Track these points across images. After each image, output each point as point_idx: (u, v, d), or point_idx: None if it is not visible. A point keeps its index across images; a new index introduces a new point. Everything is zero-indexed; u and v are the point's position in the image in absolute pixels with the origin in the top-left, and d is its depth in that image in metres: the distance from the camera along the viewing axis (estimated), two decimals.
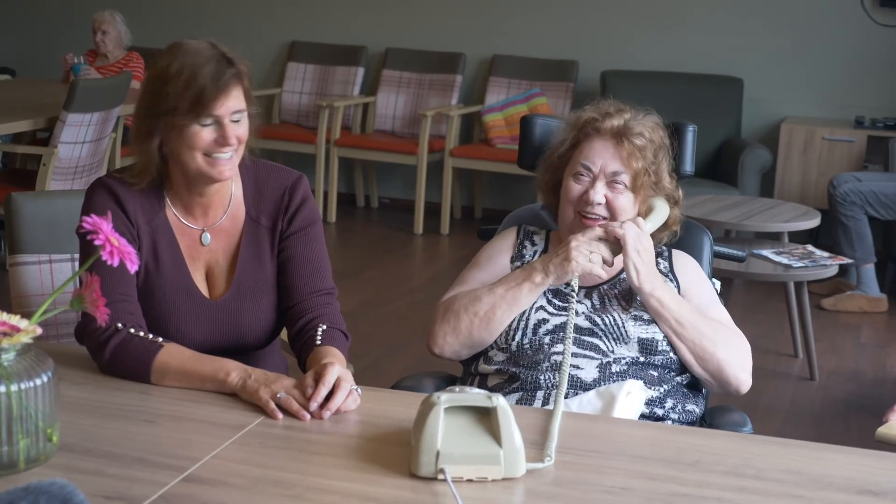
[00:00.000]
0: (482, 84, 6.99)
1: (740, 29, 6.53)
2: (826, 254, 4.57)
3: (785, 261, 4.41)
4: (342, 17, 7.28)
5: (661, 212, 2.28)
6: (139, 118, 2.04)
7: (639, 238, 2.16)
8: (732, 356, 2.18)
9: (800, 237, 5.61)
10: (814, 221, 4.74)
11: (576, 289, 2.14)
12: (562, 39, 6.85)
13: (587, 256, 2.13)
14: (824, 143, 6.08)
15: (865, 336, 5.08)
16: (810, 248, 4.65)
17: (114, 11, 6.41)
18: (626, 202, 2.25)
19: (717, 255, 2.78)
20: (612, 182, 2.24)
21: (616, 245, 2.17)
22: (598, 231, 2.17)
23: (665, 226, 2.32)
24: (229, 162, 2.02)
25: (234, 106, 1.98)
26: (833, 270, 4.46)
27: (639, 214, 2.26)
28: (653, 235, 2.26)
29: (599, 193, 2.24)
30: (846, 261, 4.76)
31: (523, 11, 6.91)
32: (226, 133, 1.98)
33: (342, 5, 7.28)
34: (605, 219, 2.24)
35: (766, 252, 4.51)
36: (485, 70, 7.01)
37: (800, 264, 4.39)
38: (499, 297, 2.19)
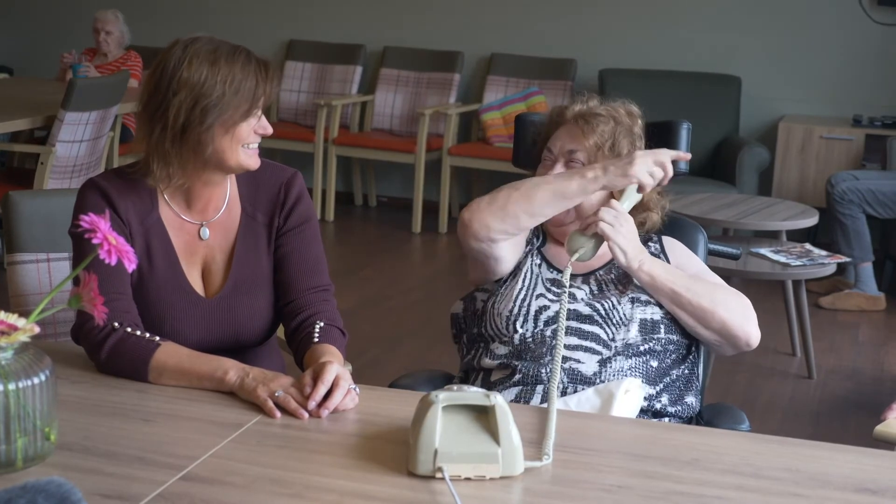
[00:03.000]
0: (480, 83, 6.99)
1: (738, 27, 6.54)
2: (824, 252, 4.57)
3: (783, 259, 4.41)
4: (340, 16, 7.28)
5: (634, 190, 2.27)
6: (175, 134, 1.99)
7: (616, 219, 2.17)
8: (733, 310, 2.20)
9: (798, 236, 5.62)
10: (812, 220, 4.75)
11: (567, 278, 2.14)
12: (560, 38, 6.85)
13: (649, 168, 2.11)
14: (822, 142, 6.08)
15: (863, 334, 5.08)
16: (808, 246, 4.65)
17: (116, 11, 6.42)
18: None
19: (711, 252, 2.78)
20: (569, 161, 2.29)
21: (598, 235, 2.17)
22: (671, 153, 2.15)
23: (643, 206, 2.33)
24: (257, 149, 2.08)
25: (269, 97, 2.06)
26: (831, 269, 4.47)
27: (609, 197, 2.28)
28: (633, 217, 2.27)
29: (556, 172, 2.27)
30: (844, 259, 4.76)
31: (521, 10, 6.92)
32: (264, 123, 2.06)
33: (340, 4, 7.28)
34: None
35: (764, 250, 4.51)
36: (483, 69, 7.01)
37: (798, 263, 4.39)
38: (547, 180, 2.17)
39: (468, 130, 6.98)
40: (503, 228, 2.17)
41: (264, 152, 2.09)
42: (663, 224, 2.40)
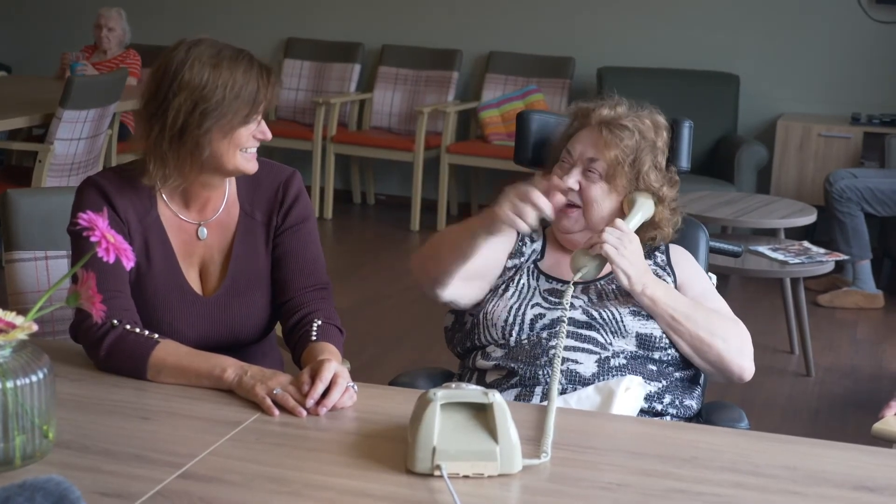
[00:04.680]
0: (479, 81, 6.99)
1: (737, 25, 6.54)
2: (822, 250, 4.57)
3: (781, 257, 4.41)
4: (339, 14, 7.27)
5: (644, 207, 2.25)
6: (173, 136, 1.99)
7: (621, 240, 2.13)
8: (731, 344, 2.17)
9: (796, 233, 5.62)
10: (810, 218, 4.75)
11: (568, 299, 2.12)
12: (558, 36, 6.85)
13: (512, 206, 1.96)
14: (821, 140, 6.09)
15: (861, 332, 5.08)
16: (807, 244, 4.66)
17: (119, 9, 6.42)
18: (598, 192, 2.24)
19: (712, 250, 2.78)
20: (587, 170, 2.25)
21: (601, 256, 2.14)
22: (536, 186, 2.00)
23: (653, 224, 2.29)
24: (255, 153, 2.08)
25: (270, 102, 2.05)
26: (829, 267, 4.47)
27: (621, 210, 2.26)
28: (640, 233, 2.24)
29: (572, 179, 2.24)
30: (842, 257, 4.76)
31: (520, 8, 6.91)
32: (264, 128, 2.05)
33: (339, 2, 7.27)
34: (577, 207, 2.25)
35: (762, 248, 4.51)
36: (481, 67, 7.01)
37: (796, 261, 4.39)
38: (447, 236, 2.16)
39: (467, 128, 6.98)
40: (436, 282, 2.18)
41: (262, 150, 2.09)
42: (668, 237, 2.36)
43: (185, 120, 1.98)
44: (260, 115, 2.04)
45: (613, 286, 2.25)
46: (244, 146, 2.03)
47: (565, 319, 2.09)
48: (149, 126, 2.02)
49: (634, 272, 2.14)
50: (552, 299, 2.21)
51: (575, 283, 2.21)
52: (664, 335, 2.17)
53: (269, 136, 2.07)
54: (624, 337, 2.16)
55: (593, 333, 2.15)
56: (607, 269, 2.21)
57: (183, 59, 1.99)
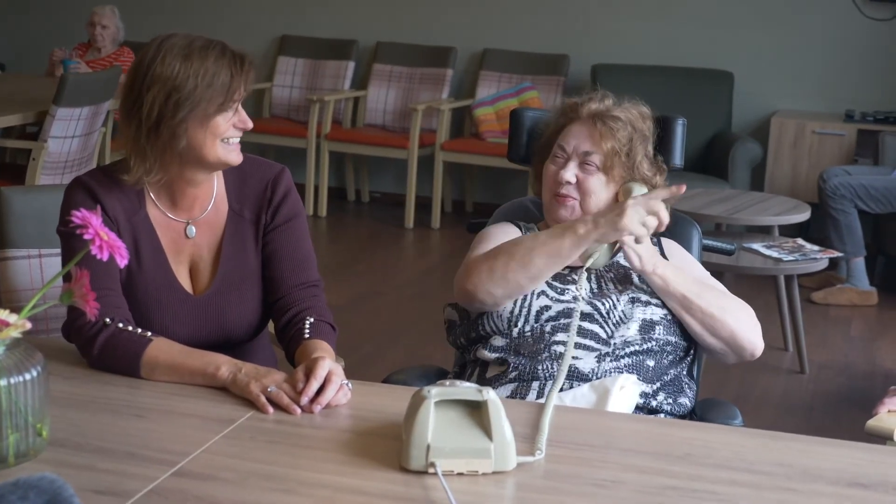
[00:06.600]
0: (473, 78, 6.99)
1: (731, 23, 6.54)
2: (816, 247, 4.58)
3: (775, 254, 4.42)
4: (333, 11, 7.27)
5: (640, 192, 2.27)
6: (149, 129, 1.99)
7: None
8: (742, 321, 2.20)
9: (790, 231, 5.62)
10: (804, 215, 4.75)
11: (582, 285, 2.13)
12: (553, 33, 6.85)
13: (641, 218, 2.04)
14: (814, 137, 6.09)
15: (855, 329, 5.09)
16: (800, 241, 4.66)
17: (113, 7, 6.42)
18: (596, 183, 2.27)
19: (706, 248, 2.78)
20: (583, 162, 2.28)
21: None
22: (662, 193, 2.08)
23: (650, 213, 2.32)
24: (238, 145, 2.06)
25: (245, 90, 2.04)
26: (823, 264, 4.47)
27: (616, 199, 2.28)
28: None
29: (570, 172, 2.27)
30: (836, 254, 4.77)
31: (514, 5, 6.91)
32: (243, 117, 2.04)
33: None
34: (574, 198, 2.27)
35: (756, 246, 4.52)
36: (476, 64, 7.01)
37: (790, 258, 4.39)
38: (540, 242, 2.11)
39: (461, 126, 6.98)
40: (507, 294, 2.15)
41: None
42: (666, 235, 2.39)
43: (160, 112, 1.98)
44: (237, 104, 2.03)
45: (612, 274, 2.27)
46: (223, 136, 2.02)
47: (577, 313, 2.09)
48: (128, 123, 2.03)
49: (645, 252, 2.17)
50: (557, 285, 2.21)
51: (575, 267, 2.22)
52: (664, 320, 2.19)
53: (249, 124, 2.06)
54: (626, 324, 2.17)
55: (594, 327, 2.16)
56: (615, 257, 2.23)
57: (154, 53, 1.99)
